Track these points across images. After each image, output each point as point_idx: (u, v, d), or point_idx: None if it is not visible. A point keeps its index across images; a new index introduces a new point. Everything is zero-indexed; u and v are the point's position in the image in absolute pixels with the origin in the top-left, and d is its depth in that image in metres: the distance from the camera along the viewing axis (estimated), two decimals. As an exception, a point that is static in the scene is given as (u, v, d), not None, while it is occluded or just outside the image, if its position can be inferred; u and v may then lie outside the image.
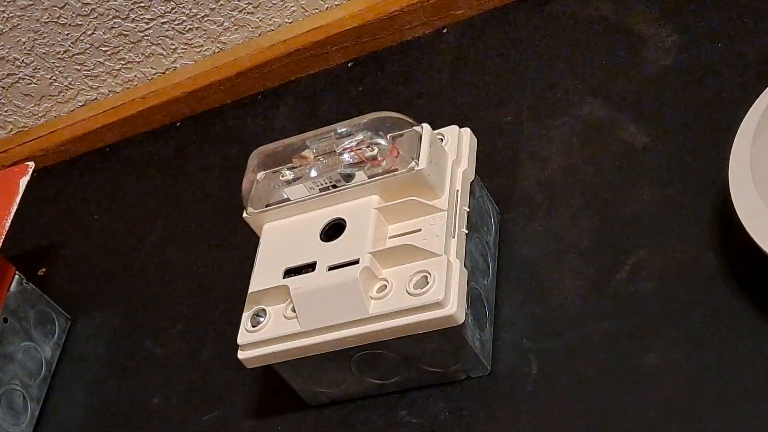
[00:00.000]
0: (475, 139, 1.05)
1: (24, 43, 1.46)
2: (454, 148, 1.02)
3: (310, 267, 0.96)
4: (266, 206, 1.02)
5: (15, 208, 1.19)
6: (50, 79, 1.51)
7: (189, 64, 1.47)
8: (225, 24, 1.42)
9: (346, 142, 0.99)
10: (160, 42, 1.45)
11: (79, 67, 1.49)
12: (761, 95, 0.93)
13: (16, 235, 1.21)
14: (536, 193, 1.08)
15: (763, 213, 0.85)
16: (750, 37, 1.07)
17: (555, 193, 1.07)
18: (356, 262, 0.94)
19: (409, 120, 0.99)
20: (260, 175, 1.03)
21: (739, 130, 0.92)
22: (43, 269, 1.40)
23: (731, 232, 0.91)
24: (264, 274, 0.99)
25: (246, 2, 1.39)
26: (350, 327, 0.94)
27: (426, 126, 0.99)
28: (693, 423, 0.86)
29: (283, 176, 1.01)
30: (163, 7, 1.40)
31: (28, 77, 1.51)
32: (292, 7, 1.39)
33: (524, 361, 0.96)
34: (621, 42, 1.16)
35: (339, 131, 1.00)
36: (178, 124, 1.50)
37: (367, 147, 0.98)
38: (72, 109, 1.55)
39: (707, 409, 0.86)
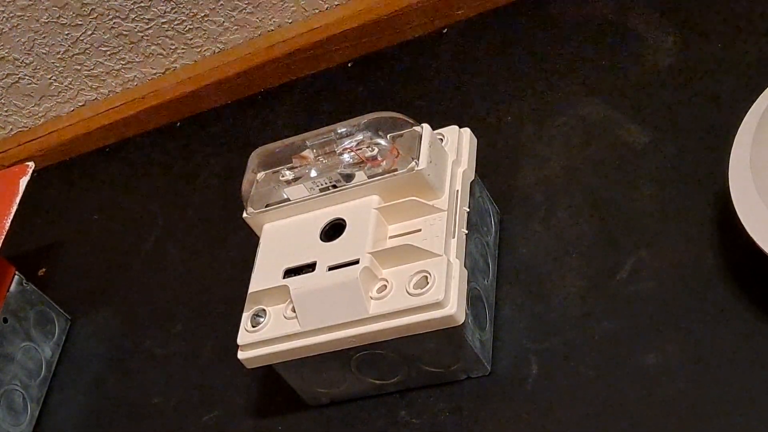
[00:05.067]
0: (475, 139, 1.05)
1: (24, 43, 1.46)
2: (454, 148, 1.02)
3: (310, 267, 0.96)
4: (266, 206, 1.02)
5: (15, 208, 1.19)
6: (50, 79, 1.51)
7: (189, 64, 1.47)
8: (225, 24, 1.42)
9: (346, 142, 0.99)
10: (160, 42, 1.45)
11: (79, 67, 1.49)
12: (761, 95, 0.93)
13: (16, 235, 1.21)
14: (536, 193, 1.08)
15: (763, 213, 0.85)
16: (750, 37, 1.07)
17: (555, 193, 1.07)
18: (356, 262, 0.94)
19: (409, 120, 0.99)
20: (260, 175, 1.03)
21: (739, 130, 0.92)
22: (43, 269, 1.40)
23: (731, 232, 0.91)
24: (264, 274, 0.99)
25: (246, 2, 1.39)
26: (350, 327, 0.94)
27: (426, 126, 0.99)
28: (693, 423, 0.86)
29: (283, 176, 1.01)
30: (163, 7, 1.40)
31: (28, 77, 1.51)
32: (292, 7, 1.39)
33: (524, 361, 0.96)
34: (621, 42, 1.16)
35: (339, 131, 1.00)
36: (178, 124, 1.50)
37: (367, 147, 0.98)
38: (72, 109, 1.55)
39: (707, 409, 0.86)
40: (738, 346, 0.88)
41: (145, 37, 1.44)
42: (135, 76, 1.50)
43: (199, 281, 1.26)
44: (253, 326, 0.97)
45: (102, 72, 1.49)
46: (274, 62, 1.41)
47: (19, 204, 1.20)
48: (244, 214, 1.03)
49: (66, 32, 1.44)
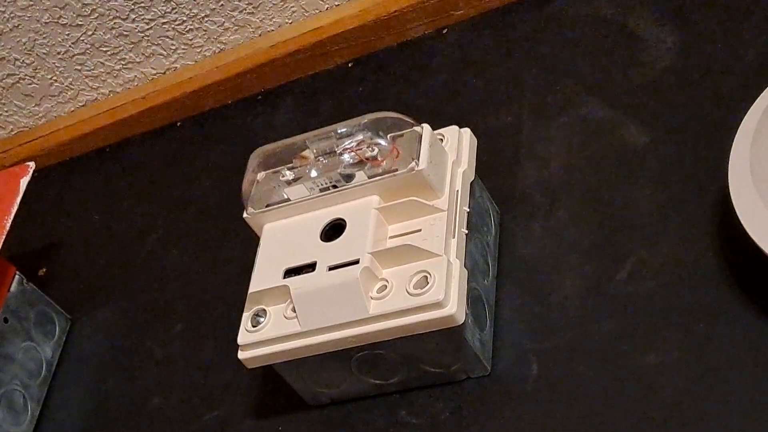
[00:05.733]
0: (475, 139, 1.05)
1: (24, 43, 1.46)
2: (454, 149, 1.02)
3: (310, 267, 0.96)
4: (266, 206, 1.02)
5: (15, 208, 1.19)
6: (51, 79, 1.51)
7: (189, 65, 1.47)
8: (225, 24, 1.42)
9: (346, 142, 0.99)
10: (160, 42, 1.45)
11: (79, 68, 1.49)
12: (761, 95, 0.93)
13: (16, 235, 1.21)
14: (536, 193, 1.08)
15: (763, 213, 0.85)
16: (750, 37, 1.07)
17: (555, 193, 1.07)
18: (356, 262, 0.94)
19: (409, 120, 0.99)
20: (260, 175, 1.03)
21: (739, 130, 0.92)
22: (43, 269, 1.40)
23: (731, 232, 0.91)
24: (264, 274, 0.99)
25: (246, 2, 1.39)
26: (350, 327, 0.94)
27: (426, 126, 0.99)
28: (693, 423, 0.86)
29: (283, 176, 1.01)
30: (164, 8, 1.40)
31: (28, 77, 1.51)
32: (292, 7, 1.39)
33: (524, 361, 0.96)
34: (621, 42, 1.16)
35: (339, 131, 1.00)
36: (178, 124, 1.50)
37: (367, 147, 0.98)
38: (72, 109, 1.55)
39: (707, 409, 0.86)
40: (738, 346, 0.88)
41: (146, 38, 1.44)
42: (135, 76, 1.50)
43: (199, 281, 1.26)
44: (254, 326, 0.97)
45: (102, 72, 1.49)
46: (274, 62, 1.41)
47: (20, 204, 1.20)
48: (245, 214, 1.03)
49: (66, 32, 1.44)
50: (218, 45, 1.45)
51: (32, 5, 1.41)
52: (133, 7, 1.41)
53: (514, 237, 1.06)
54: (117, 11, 1.41)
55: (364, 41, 1.37)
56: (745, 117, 0.92)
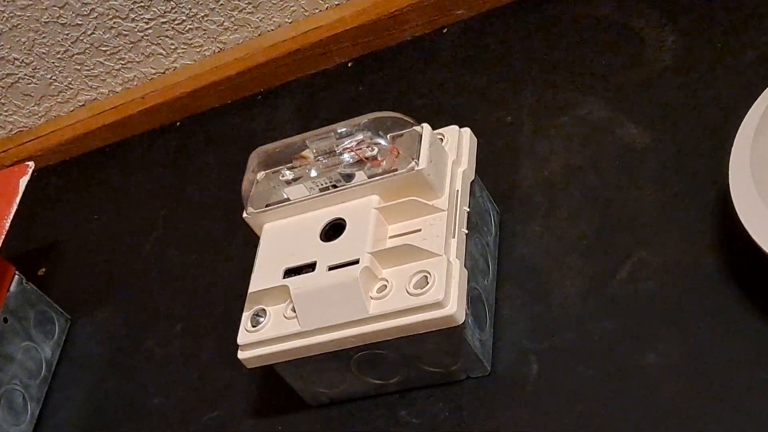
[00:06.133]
0: (475, 139, 1.05)
1: (24, 43, 1.46)
2: (454, 148, 1.02)
3: (310, 267, 0.96)
4: (266, 206, 1.02)
5: (15, 208, 1.19)
6: (50, 79, 1.51)
7: (189, 64, 1.47)
8: (225, 24, 1.42)
9: (346, 142, 0.99)
10: (160, 42, 1.45)
11: (79, 67, 1.49)
12: (761, 95, 0.93)
13: (16, 235, 1.21)
14: (536, 193, 1.08)
15: (763, 213, 0.85)
16: (750, 37, 1.07)
17: (555, 193, 1.07)
18: (356, 262, 0.94)
19: (409, 120, 0.99)
20: (260, 175, 1.03)
21: (739, 130, 0.92)
22: (43, 269, 1.40)
23: (731, 232, 0.91)
24: (264, 274, 0.99)
25: (246, 2, 1.39)
26: (350, 327, 0.94)
27: (426, 126, 0.99)
28: (693, 423, 0.86)
29: (283, 176, 1.01)
30: (163, 7, 1.40)
31: (28, 77, 1.51)
32: (292, 7, 1.39)
33: (524, 361, 0.96)
34: (621, 42, 1.16)
35: (339, 131, 1.00)
36: (178, 124, 1.50)
37: (367, 147, 0.98)
38: (72, 109, 1.55)
39: (707, 409, 0.86)
40: (738, 346, 0.88)
41: (145, 37, 1.44)
42: (135, 75, 1.50)
43: (199, 281, 1.26)
44: (253, 326, 0.97)
45: (102, 72, 1.49)
46: (274, 62, 1.41)
47: (19, 204, 1.20)
48: (244, 214, 1.03)
49: (66, 32, 1.44)
50: (218, 45, 1.45)
51: (31, 5, 1.41)
52: (132, 6, 1.41)
53: (514, 237, 1.06)
54: (116, 11, 1.41)
55: (364, 41, 1.37)
56: (745, 117, 0.92)
